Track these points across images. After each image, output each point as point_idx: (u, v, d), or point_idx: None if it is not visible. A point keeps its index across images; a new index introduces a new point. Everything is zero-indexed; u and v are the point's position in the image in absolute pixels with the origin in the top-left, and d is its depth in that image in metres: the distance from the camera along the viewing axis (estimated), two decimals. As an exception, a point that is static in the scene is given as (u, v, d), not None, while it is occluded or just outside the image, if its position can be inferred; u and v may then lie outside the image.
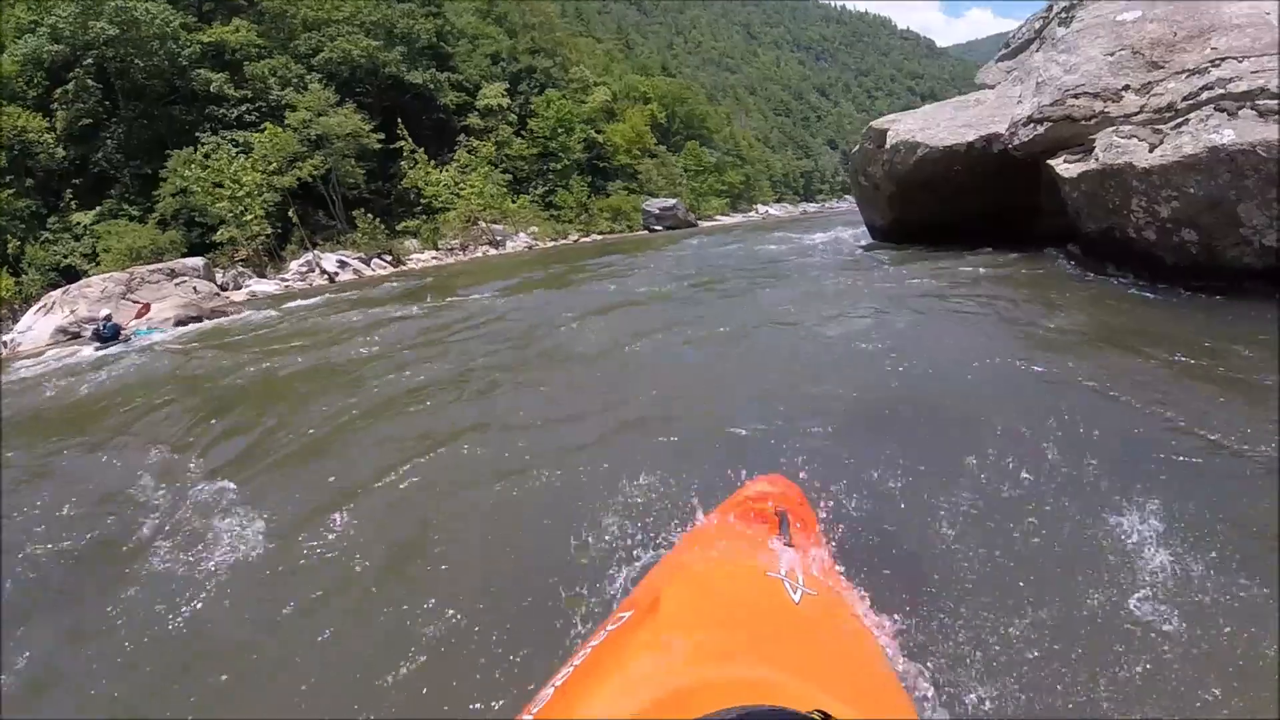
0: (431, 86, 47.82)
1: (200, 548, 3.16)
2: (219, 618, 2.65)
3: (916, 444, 3.13)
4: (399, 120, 43.29)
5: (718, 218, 65.63)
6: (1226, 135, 4.89)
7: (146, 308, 17.58)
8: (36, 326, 21.45)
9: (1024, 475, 2.71)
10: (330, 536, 3.06)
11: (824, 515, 2.22)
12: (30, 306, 24.59)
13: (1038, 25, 9.56)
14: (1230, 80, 5.20)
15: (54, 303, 22.44)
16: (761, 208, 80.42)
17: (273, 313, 16.26)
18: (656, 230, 48.27)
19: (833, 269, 9.44)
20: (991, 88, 9.91)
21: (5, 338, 22.32)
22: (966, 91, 10.90)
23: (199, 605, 2.71)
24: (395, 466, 3.65)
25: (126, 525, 3.58)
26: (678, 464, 3.12)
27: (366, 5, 46.39)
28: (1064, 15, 8.14)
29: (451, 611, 2.37)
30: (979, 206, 8.93)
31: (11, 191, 31.96)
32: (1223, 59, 5.42)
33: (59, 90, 35.35)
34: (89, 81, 35.37)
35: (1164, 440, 2.92)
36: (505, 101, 51.64)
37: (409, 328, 8.91)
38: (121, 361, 10.12)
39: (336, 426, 4.59)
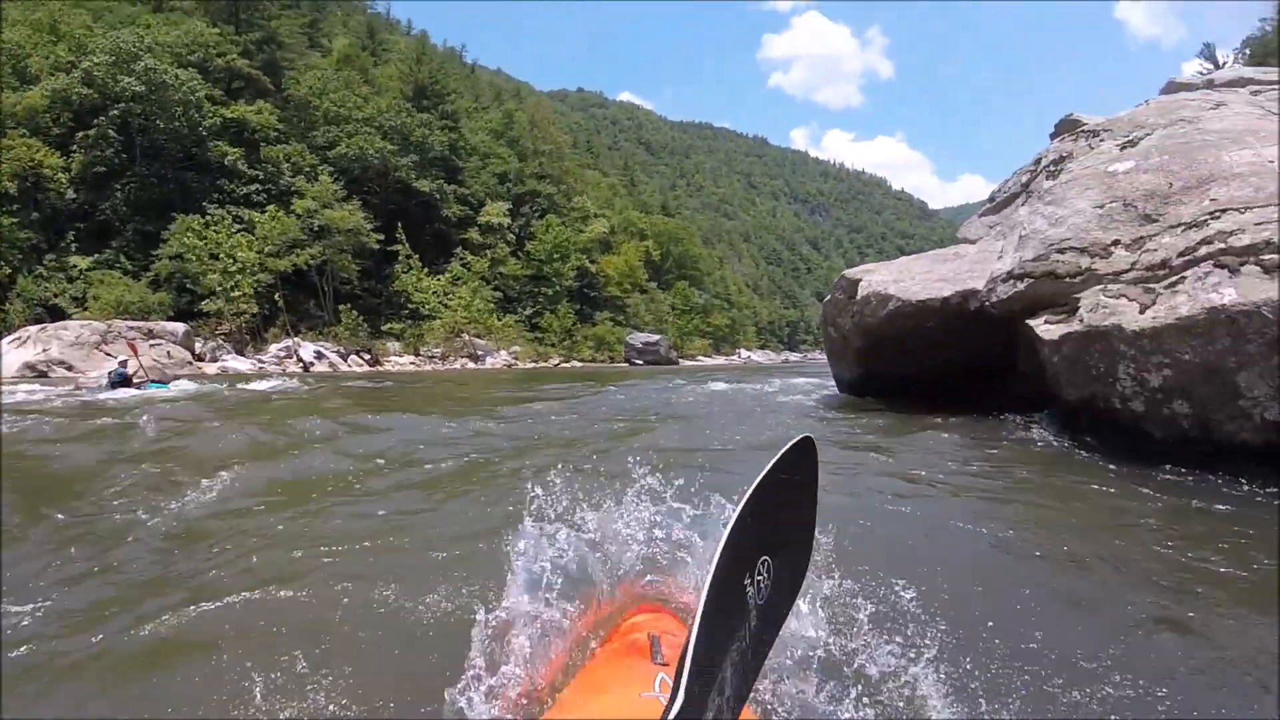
0: (437, 197, 49.23)
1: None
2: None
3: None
4: (400, 224, 44.47)
5: (699, 358, 66.67)
6: (1227, 294, 4.47)
7: (134, 346, 17.14)
8: (7, 358, 20.97)
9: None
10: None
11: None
12: (5, 336, 24.00)
13: (1024, 179, 9.06)
14: (1231, 234, 4.79)
15: (29, 338, 22.11)
16: (744, 352, 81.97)
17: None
18: (637, 364, 48.89)
19: (791, 419, 9.03)
20: (973, 242, 9.49)
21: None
22: (956, 254, 10.71)
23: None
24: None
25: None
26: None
27: (388, 110, 48.42)
28: (1052, 168, 7.57)
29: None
30: (950, 365, 8.47)
31: (16, 221, 32.21)
32: (1223, 211, 5.02)
33: (81, 134, 36.04)
34: (111, 131, 36.22)
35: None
36: (506, 221, 53.11)
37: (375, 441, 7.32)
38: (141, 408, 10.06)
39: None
